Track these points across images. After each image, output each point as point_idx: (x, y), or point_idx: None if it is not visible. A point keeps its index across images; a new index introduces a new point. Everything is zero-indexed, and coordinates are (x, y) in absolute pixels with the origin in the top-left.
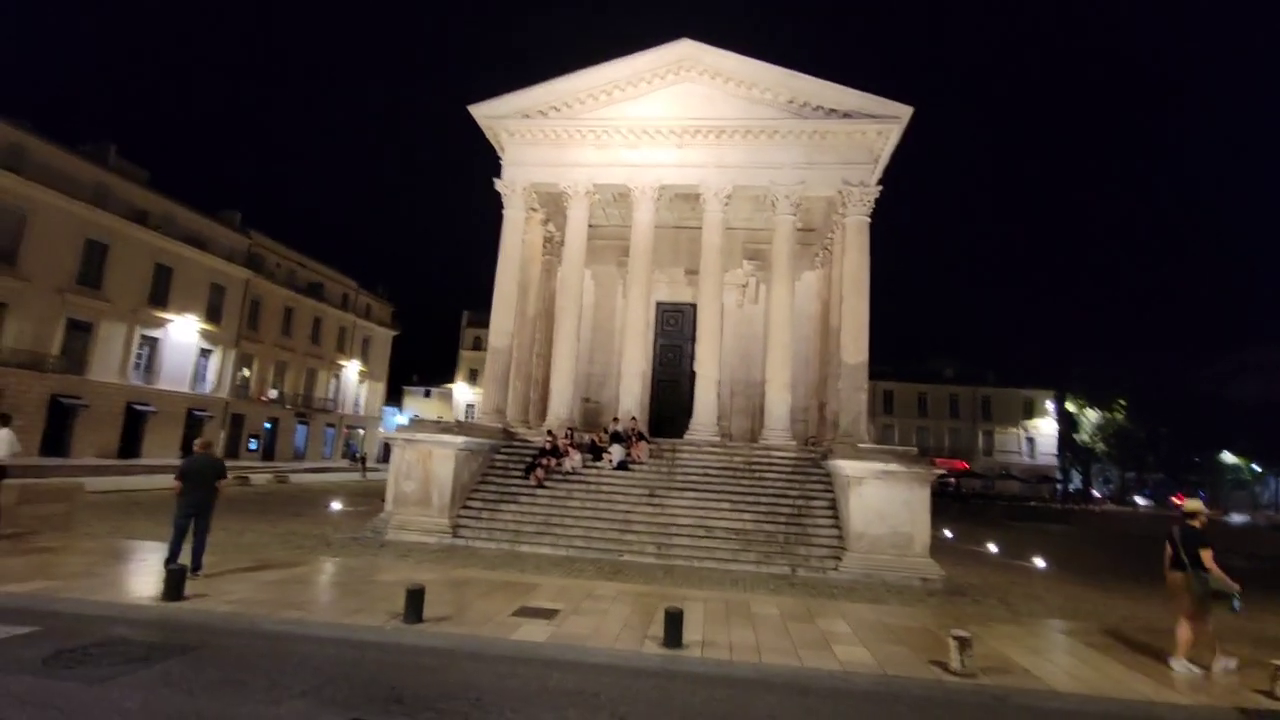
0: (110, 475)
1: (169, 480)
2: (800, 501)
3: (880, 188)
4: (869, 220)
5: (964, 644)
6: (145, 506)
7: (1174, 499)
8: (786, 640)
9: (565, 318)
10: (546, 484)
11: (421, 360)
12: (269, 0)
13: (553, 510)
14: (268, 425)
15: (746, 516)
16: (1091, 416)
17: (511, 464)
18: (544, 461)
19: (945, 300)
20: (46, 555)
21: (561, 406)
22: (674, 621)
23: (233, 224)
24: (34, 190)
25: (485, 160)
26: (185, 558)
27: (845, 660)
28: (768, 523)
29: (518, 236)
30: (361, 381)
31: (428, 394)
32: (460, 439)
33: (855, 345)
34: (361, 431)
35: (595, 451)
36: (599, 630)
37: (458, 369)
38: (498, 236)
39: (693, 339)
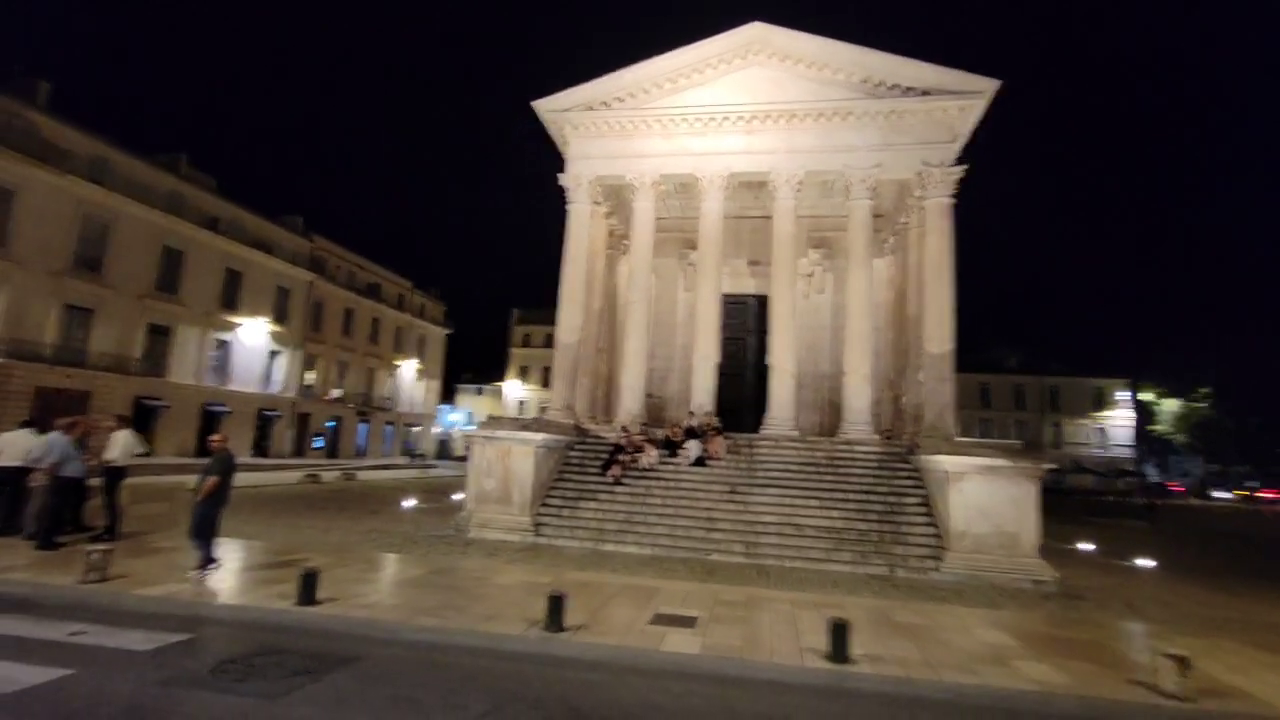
0: (191, 474)
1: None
2: (891, 498)
3: (964, 167)
4: (952, 201)
5: (1183, 664)
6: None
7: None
8: (952, 653)
9: (635, 311)
10: (624, 481)
11: (473, 359)
12: (323, 10)
13: (634, 508)
14: (331, 424)
15: (835, 514)
16: (1170, 406)
17: (587, 460)
18: (620, 458)
19: (1008, 287)
20: (166, 555)
21: (633, 402)
22: (839, 633)
23: (296, 228)
24: (117, 201)
25: (536, 157)
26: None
27: (1031, 677)
28: (859, 520)
29: (584, 232)
30: (418, 380)
31: (479, 391)
32: (539, 436)
33: (939, 334)
34: (418, 429)
35: (670, 447)
36: (751, 641)
37: (508, 366)
38: (547, 233)
39: (755, 331)
